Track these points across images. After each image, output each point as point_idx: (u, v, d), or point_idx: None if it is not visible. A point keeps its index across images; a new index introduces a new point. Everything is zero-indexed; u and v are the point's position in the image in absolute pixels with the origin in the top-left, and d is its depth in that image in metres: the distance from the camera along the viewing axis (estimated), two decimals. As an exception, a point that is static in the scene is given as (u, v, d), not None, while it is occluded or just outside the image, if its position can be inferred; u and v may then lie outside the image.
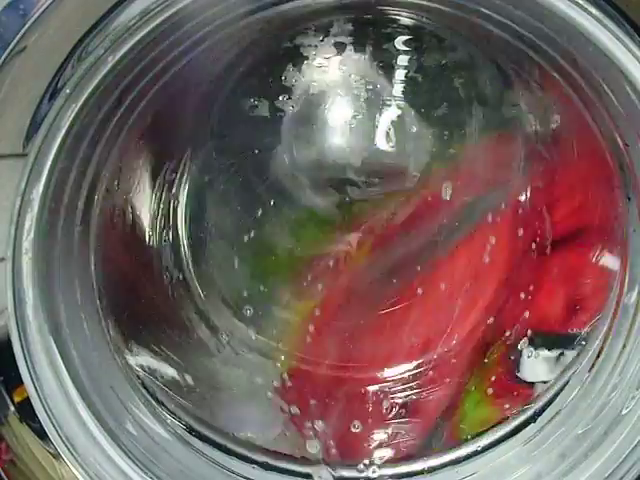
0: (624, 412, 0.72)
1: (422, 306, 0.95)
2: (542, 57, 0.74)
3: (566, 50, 0.68)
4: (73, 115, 0.63)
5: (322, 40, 0.88)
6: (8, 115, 0.61)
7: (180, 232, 0.93)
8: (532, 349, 0.88)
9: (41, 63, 0.61)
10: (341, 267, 0.95)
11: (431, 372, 0.93)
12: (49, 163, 0.64)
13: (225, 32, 0.73)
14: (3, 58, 0.59)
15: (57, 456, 0.70)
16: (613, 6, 0.61)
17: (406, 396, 0.93)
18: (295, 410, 0.90)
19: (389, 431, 0.90)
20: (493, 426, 0.86)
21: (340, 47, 0.88)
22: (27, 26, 0.58)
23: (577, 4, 0.61)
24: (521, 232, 0.91)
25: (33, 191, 0.64)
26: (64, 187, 0.69)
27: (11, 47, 0.59)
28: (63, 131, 0.64)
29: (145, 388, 0.83)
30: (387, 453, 0.88)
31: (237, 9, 0.70)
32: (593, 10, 0.61)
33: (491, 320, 0.92)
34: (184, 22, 0.67)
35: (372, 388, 0.93)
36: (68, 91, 0.62)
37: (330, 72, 0.90)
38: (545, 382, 0.86)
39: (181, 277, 0.93)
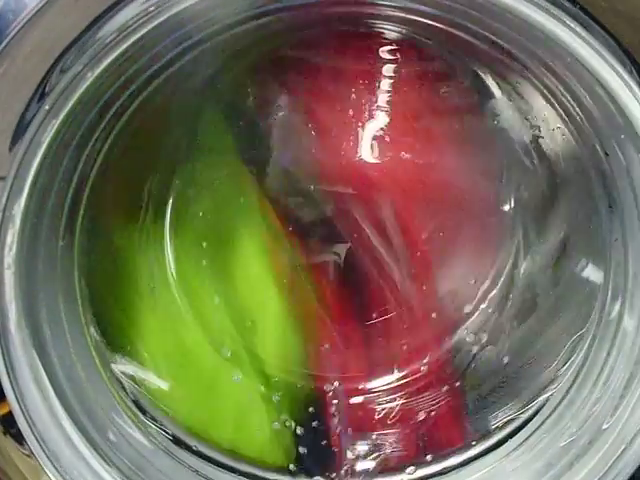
0: (605, 426, 0.72)
1: (403, 317, 0.95)
2: (522, 67, 0.74)
3: (545, 61, 0.68)
4: (54, 131, 0.63)
5: (307, 50, 0.88)
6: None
7: (165, 247, 0.93)
8: None
9: (21, 77, 0.61)
10: (326, 277, 0.95)
11: (416, 383, 0.94)
12: (30, 178, 0.64)
13: (203, 47, 0.74)
14: (-19, 76, 0.60)
15: (41, 470, 0.69)
16: (590, 16, 0.62)
17: (390, 407, 0.93)
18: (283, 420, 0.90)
19: (372, 443, 0.90)
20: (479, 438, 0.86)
21: (324, 57, 0.88)
22: (3, 45, 0.59)
23: (553, 16, 0.61)
24: (507, 242, 0.91)
25: (14, 206, 0.64)
26: (46, 202, 0.69)
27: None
28: (44, 147, 0.63)
29: (132, 400, 0.83)
30: (370, 465, 0.89)
31: (215, 25, 0.70)
32: (569, 22, 0.61)
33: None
34: (165, 35, 0.67)
35: (356, 399, 0.94)
36: (47, 107, 0.62)
37: (315, 82, 0.90)
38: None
39: (167, 291, 0.93)
